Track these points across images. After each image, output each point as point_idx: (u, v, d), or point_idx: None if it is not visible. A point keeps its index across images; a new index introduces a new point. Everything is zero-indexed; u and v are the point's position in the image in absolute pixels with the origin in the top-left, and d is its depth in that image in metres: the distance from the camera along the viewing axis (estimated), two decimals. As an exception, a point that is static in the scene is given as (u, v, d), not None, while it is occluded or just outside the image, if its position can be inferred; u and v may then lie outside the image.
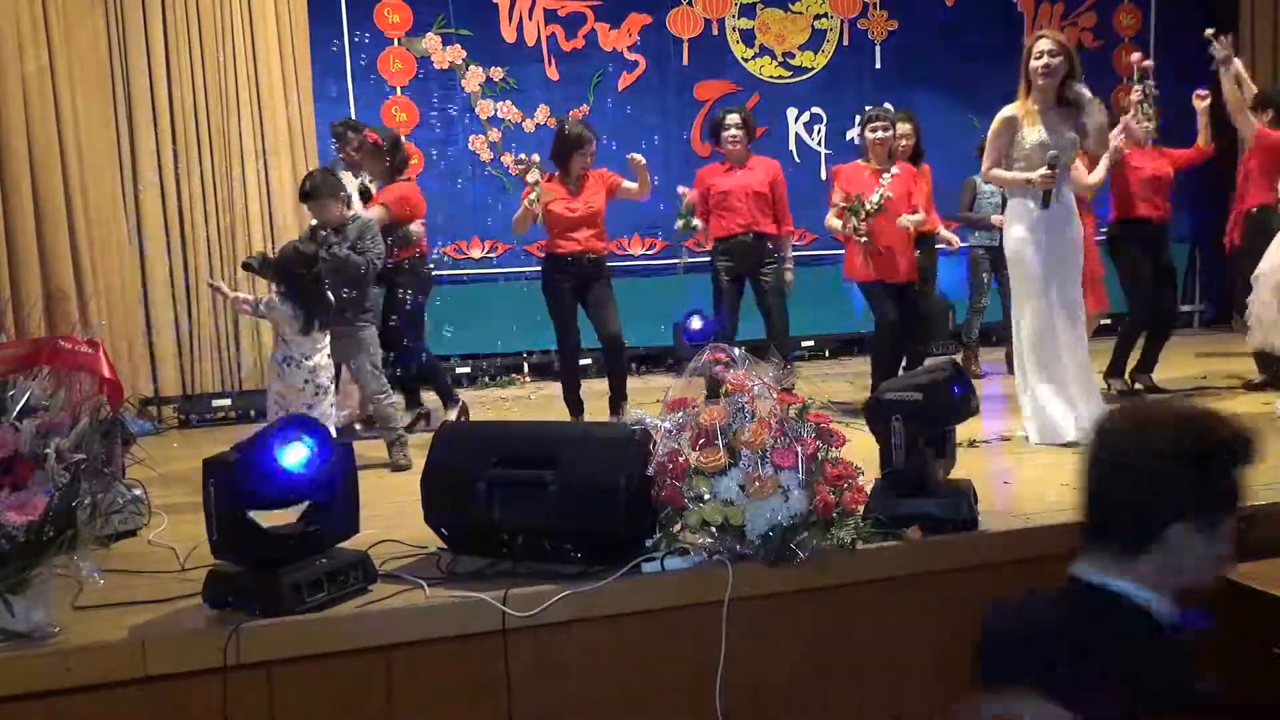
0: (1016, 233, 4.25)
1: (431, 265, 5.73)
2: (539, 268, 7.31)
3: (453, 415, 5.33)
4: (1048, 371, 4.19)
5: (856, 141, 5.63)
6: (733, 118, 5.41)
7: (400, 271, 5.28)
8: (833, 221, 5.33)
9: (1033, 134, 4.18)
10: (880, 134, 5.36)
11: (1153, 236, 5.49)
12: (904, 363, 5.40)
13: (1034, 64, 4.16)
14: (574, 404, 5.23)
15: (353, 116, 7.03)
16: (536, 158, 5.03)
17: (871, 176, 5.29)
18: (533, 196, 4.94)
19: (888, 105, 7.93)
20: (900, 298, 5.30)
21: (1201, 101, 5.67)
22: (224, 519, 2.46)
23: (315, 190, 4.57)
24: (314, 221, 4.72)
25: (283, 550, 2.54)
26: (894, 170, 5.28)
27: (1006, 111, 4.25)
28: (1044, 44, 4.17)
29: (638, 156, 5.08)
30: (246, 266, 4.52)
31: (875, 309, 5.33)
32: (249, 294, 4.77)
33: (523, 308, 7.32)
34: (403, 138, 5.80)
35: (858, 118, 7.54)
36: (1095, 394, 4.28)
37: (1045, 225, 4.17)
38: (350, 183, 5.24)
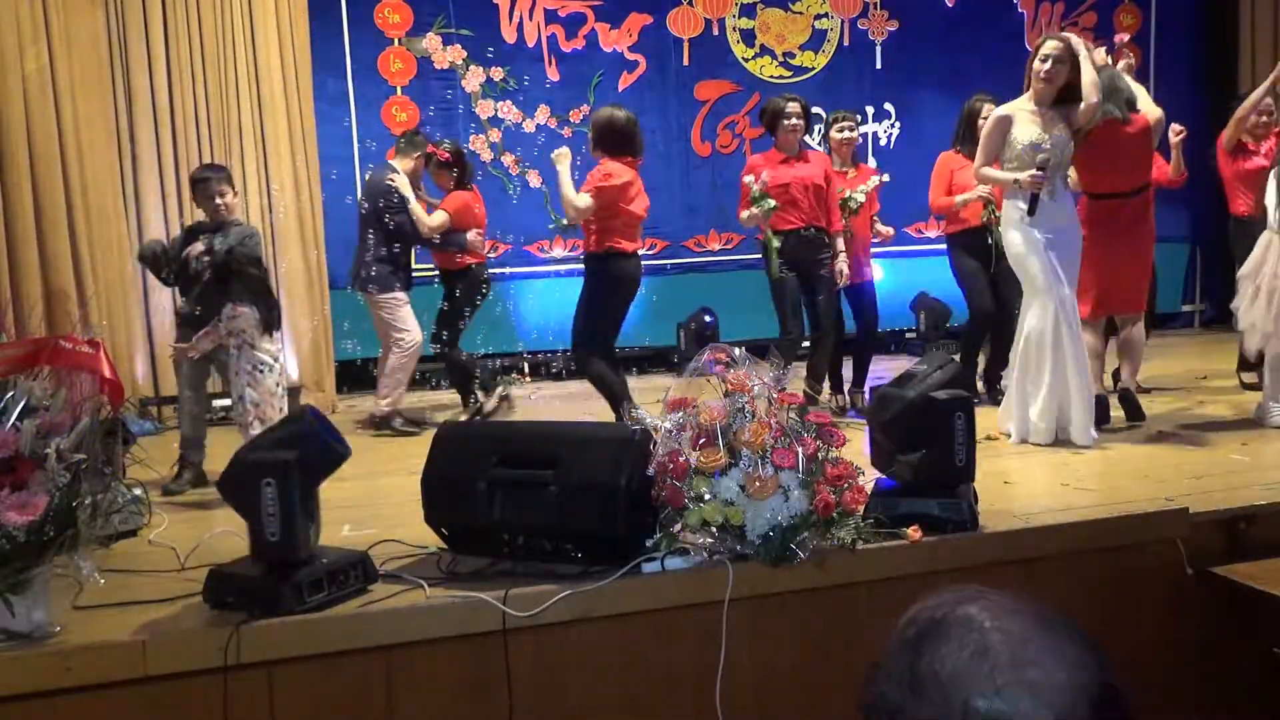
0: (1015, 233, 4.22)
1: (488, 276, 5.86)
2: (538, 267, 7.41)
3: (464, 417, 5.47)
4: (1040, 373, 4.16)
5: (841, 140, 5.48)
6: (794, 106, 5.12)
7: (459, 276, 5.63)
8: None
9: (1026, 134, 4.15)
10: (848, 133, 5.34)
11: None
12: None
13: (1037, 65, 4.14)
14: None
15: (353, 116, 7.05)
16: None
17: (836, 177, 5.27)
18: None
19: (888, 106, 8.04)
20: (860, 296, 5.33)
21: (1176, 136, 5.63)
22: (290, 519, 2.45)
23: (206, 179, 4.38)
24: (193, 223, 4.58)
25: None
26: (880, 178, 5.25)
27: (1001, 110, 4.23)
28: (1049, 48, 4.14)
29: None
30: (143, 259, 4.36)
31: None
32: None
33: (522, 308, 7.34)
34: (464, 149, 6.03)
35: (857, 117, 7.56)
36: (1088, 398, 4.21)
37: (1045, 223, 4.14)
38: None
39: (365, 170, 7.08)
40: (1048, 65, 4.13)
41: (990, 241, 5.25)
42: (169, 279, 4.53)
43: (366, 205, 5.45)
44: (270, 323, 4.12)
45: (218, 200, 4.36)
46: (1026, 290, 4.28)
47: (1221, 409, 4.95)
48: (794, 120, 5.10)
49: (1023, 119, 4.18)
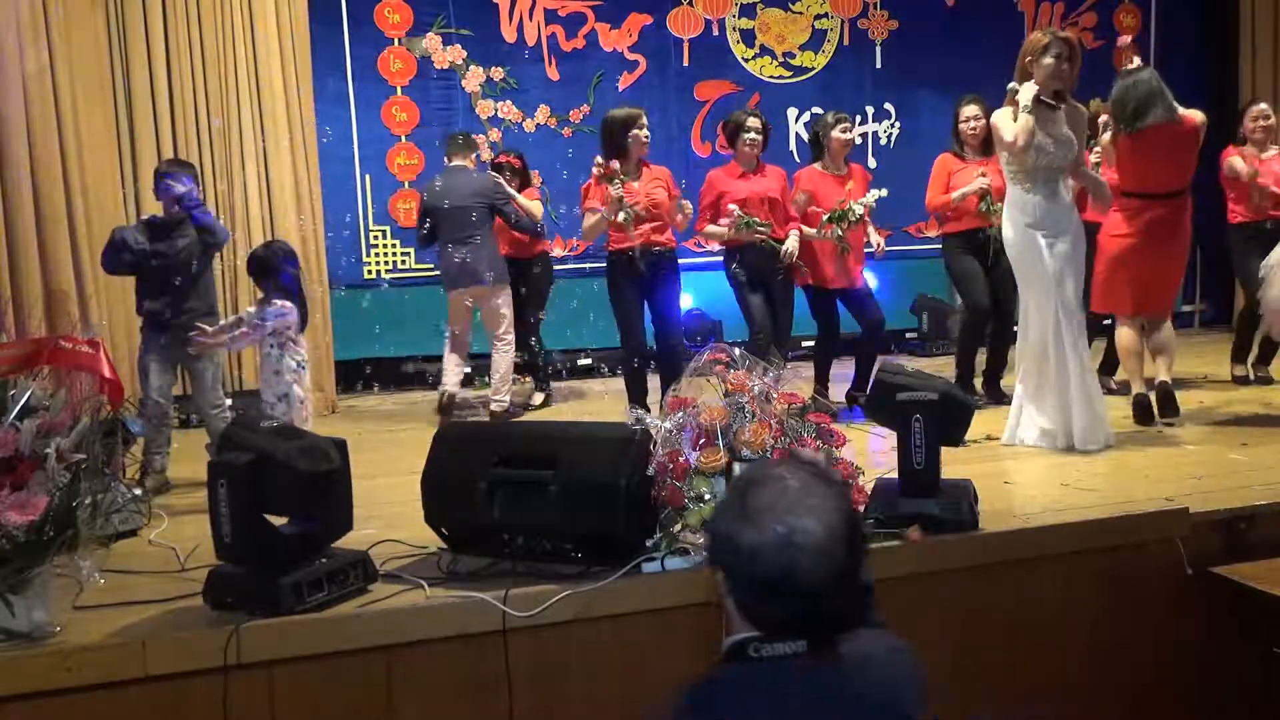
0: (1020, 231, 4.15)
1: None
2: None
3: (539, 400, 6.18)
4: (1043, 379, 4.12)
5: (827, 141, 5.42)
6: (754, 121, 5.20)
7: (540, 260, 6.17)
8: (809, 230, 5.20)
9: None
10: (850, 134, 5.38)
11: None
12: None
13: (1047, 62, 4.03)
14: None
15: (353, 116, 7.05)
16: (616, 164, 4.86)
17: (836, 182, 5.30)
18: (621, 213, 4.82)
19: (888, 105, 8.04)
20: (865, 301, 5.34)
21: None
22: (238, 522, 2.45)
23: (170, 172, 4.31)
24: (147, 216, 4.49)
25: (287, 551, 2.54)
26: (880, 192, 5.23)
27: (1004, 111, 4.18)
28: (1059, 47, 4.03)
29: (688, 207, 5.05)
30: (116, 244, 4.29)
31: (824, 318, 5.36)
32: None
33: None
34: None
35: (857, 118, 7.54)
36: (1095, 400, 4.16)
37: (1047, 226, 4.10)
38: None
39: (366, 171, 7.11)
40: (1065, 65, 4.06)
41: (983, 237, 5.22)
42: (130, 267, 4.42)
43: (480, 204, 5.68)
44: (304, 322, 4.11)
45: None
46: (1024, 293, 4.23)
47: (1221, 409, 4.95)
48: (753, 135, 5.16)
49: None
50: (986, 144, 5.19)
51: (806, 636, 1.42)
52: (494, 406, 5.66)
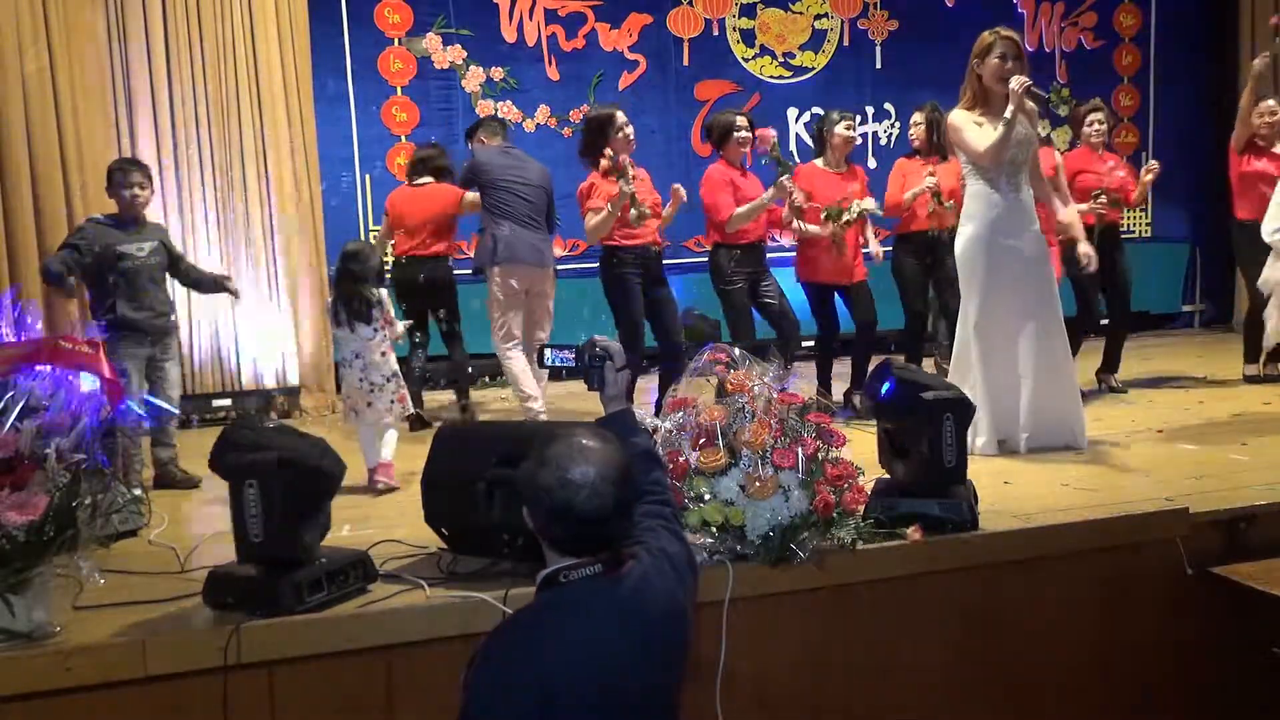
0: (970, 231, 4.10)
1: None
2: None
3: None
4: (964, 382, 3.98)
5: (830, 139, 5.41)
6: (743, 119, 5.15)
7: None
8: (808, 226, 5.15)
9: (988, 138, 4.00)
10: (853, 131, 5.39)
11: (1101, 238, 5.38)
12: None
13: (994, 62, 3.99)
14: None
15: (353, 116, 7.04)
16: (626, 159, 4.82)
17: (837, 178, 5.30)
18: (634, 210, 4.78)
19: (888, 106, 8.04)
20: (858, 297, 5.32)
21: (1149, 174, 5.65)
22: (270, 523, 2.45)
23: (127, 170, 4.29)
24: (100, 216, 4.43)
25: (305, 551, 2.55)
26: (875, 209, 5.26)
27: (963, 113, 4.11)
28: (1003, 46, 4.00)
29: (681, 192, 5.00)
30: (52, 276, 4.19)
31: (822, 316, 5.34)
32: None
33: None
34: None
35: (857, 118, 7.53)
36: (1071, 400, 4.14)
37: (1005, 226, 4.04)
38: None
39: (366, 172, 7.10)
40: (1010, 64, 3.97)
41: (932, 237, 5.30)
42: (74, 281, 4.35)
43: (545, 191, 5.43)
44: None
45: (137, 192, 4.26)
46: (965, 291, 4.14)
47: (1221, 409, 4.95)
48: (744, 133, 5.09)
49: (988, 118, 4.05)
50: (937, 146, 5.41)
51: (597, 555, 1.83)
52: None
